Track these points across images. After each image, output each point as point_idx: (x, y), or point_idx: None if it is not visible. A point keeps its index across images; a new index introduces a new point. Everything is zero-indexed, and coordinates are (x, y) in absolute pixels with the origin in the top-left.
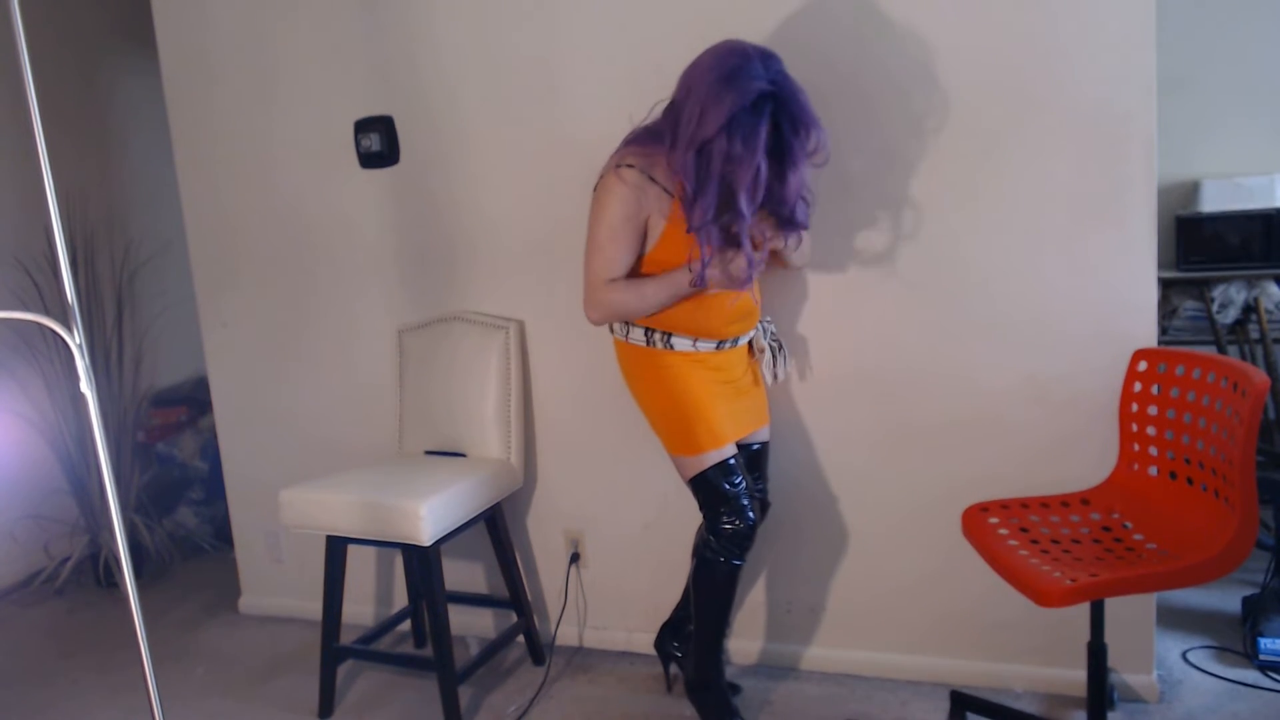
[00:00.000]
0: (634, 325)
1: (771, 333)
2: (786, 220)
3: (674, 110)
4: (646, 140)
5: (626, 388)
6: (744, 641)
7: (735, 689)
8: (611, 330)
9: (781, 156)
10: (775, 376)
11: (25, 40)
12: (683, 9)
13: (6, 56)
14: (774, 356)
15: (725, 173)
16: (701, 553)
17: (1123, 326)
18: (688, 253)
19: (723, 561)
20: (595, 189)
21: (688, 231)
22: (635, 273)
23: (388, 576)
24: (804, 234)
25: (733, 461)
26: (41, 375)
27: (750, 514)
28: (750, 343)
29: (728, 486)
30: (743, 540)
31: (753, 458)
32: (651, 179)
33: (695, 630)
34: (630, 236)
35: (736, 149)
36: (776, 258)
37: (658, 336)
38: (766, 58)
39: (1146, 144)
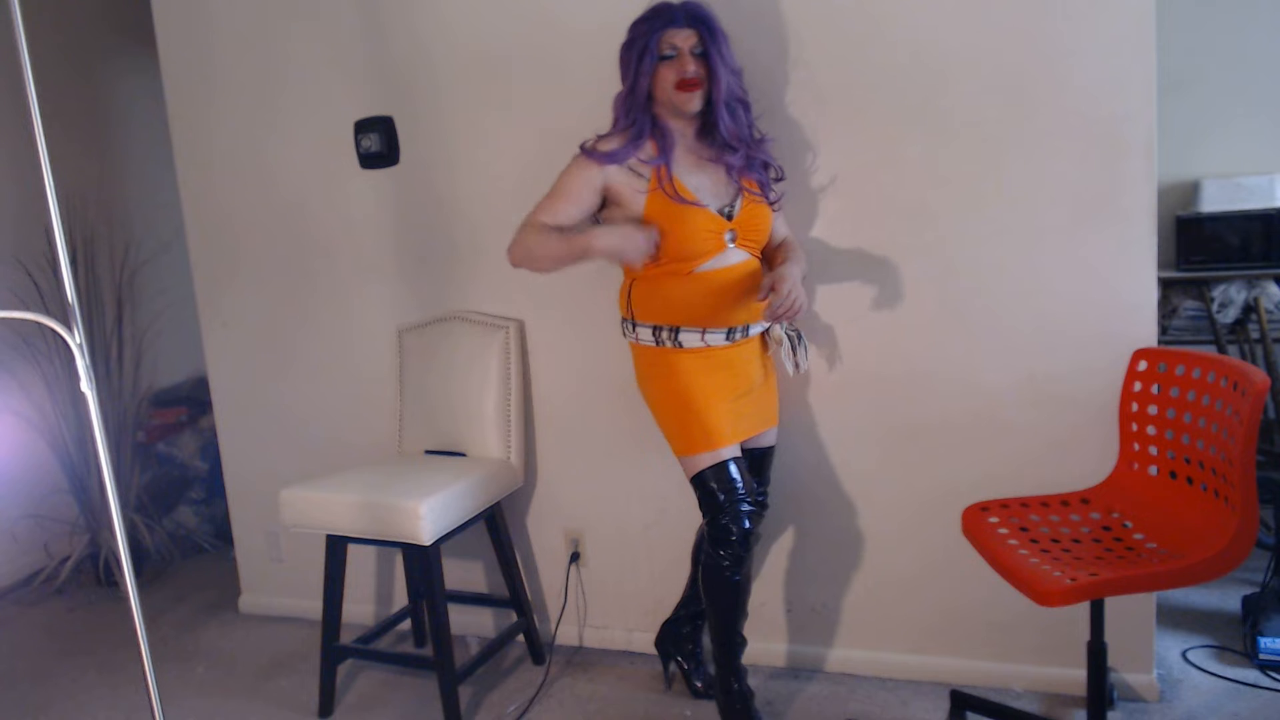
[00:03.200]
0: (641, 324)
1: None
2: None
3: None
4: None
5: (638, 390)
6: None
7: None
8: (624, 333)
9: (707, 57)
10: (797, 366)
11: (25, 40)
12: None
13: (6, 56)
14: (793, 347)
15: (624, 67)
16: (699, 554)
17: (1123, 326)
18: (672, 220)
19: (719, 561)
20: None
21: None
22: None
23: (388, 576)
24: (796, 259)
25: (731, 463)
26: (41, 375)
27: (745, 519)
28: (766, 334)
29: (720, 488)
30: (734, 542)
31: (755, 462)
32: (621, 165)
33: (710, 630)
34: (582, 197)
35: (629, 37)
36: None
37: (665, 334)
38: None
39: (1146, 144)
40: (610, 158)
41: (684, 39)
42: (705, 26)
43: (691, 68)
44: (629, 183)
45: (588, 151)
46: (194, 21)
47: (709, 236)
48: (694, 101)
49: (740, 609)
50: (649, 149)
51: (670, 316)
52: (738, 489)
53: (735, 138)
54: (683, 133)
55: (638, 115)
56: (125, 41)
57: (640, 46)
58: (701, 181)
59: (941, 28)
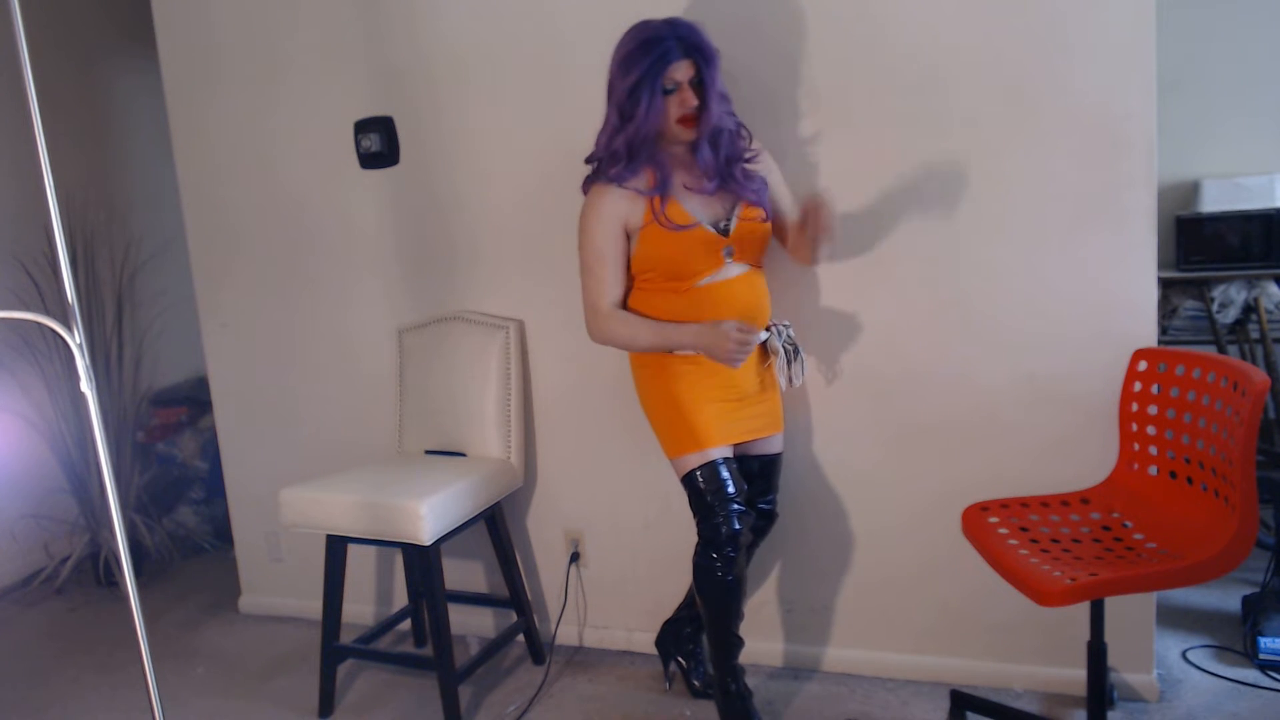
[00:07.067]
0: None
1: (788, 335)
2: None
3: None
4: (605, 153)
5: (634, 390)
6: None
7: None
8: None
9: (701, 86)
10: (790, 381)
11: (25, 39)
12: (685, 8)
13: (6, 56)
14: (788, 360)
15: (622, 102)
16: (693, 555)
17: (1123, 326)
18: (667, 245)
19: (711, 562)
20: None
21: (589, 160)
22: (627, 272)
23: (388, 576)
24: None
25: (720, 464)
26: (41, 375)
27: (734, 520)
28: (764, 345)
29: (708, 488)
30: (723, 544)
31: (761, 469)
32: (621, 185)
33: (705, 631)
34: (615, 253)
35: (625, 79)
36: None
37: None
38: (668, 19)
39: (1146, 144)
40: (616, 179)
41: (683, 72)
42: (700, 54)
43: (693, 102)
44: (633, 208)
45: (593, 182)
46: (194, 20)
47: (706, 255)
48: (693, 132)
49: (734, 610)
50: (646, 179)
51: None
52: (727, 490)
53: (711, 170)
54: (677, 153)
55: (639, 150)
56: (125, 40)
57: (647, 88)
58: (697, 199)
59: (941, 28)
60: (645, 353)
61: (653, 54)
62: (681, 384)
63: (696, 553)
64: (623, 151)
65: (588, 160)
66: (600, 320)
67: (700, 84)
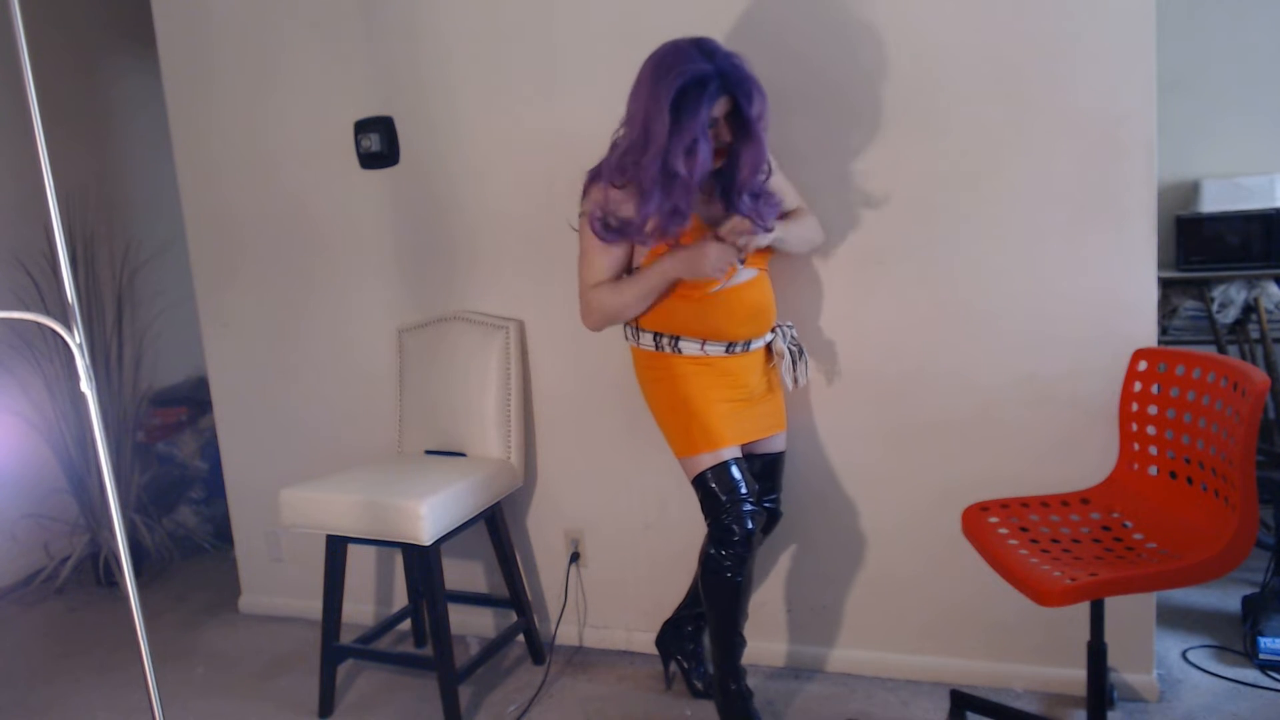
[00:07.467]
0: (644, 330)
1: (792, 336)
2: (750, 200)
3: (626, 124)
4: (662, 208)
5: (638, 391)
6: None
7: None
8: (625, 336)
9: (744, 129)
10: (795, 381)
11: (25, 39)
12: (684, 7)
13: (6, 56)
14: (794, 361)
15: (669, 155)
16: (703, 555)
17: (1123, 326)
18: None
19: (721, 562)
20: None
21: (643, 217)
22: (627, 270)
23: (388, 576)
24: (802, 221)
25: (732, 464)
26: (41, 375)
27: (747, 520)
28: (769, 347)
29: (721, 488)
30: (735, 544)
31: (765, 468)
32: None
33: (709, 631)
34: (619, 249)
35: (679, 127)
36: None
37: (666, 340)
38: (701, 43)
39: (1146, 144)
40: (621, 234)
41: (720, 108)
42: (741, 90)
43: (726, 137)
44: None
45: (598, 233)
46: (194, 21)
47: None
48: (720, 160)
49: (740, 610)
50: None
51: (673, 327)
52: (740, 489)
53: (754, 214)
54: None
55: (673, 193)
56: (125, 41)
57: (702, 138)
58: (709, 212)
59: (941, 28)
60: (653, 352)
61: (704, 103)
62: (692, 384)
63: (707, 553)
64: (685, 208)
65: (643, 216)
66: (589, 298)
67: (740, 119)
